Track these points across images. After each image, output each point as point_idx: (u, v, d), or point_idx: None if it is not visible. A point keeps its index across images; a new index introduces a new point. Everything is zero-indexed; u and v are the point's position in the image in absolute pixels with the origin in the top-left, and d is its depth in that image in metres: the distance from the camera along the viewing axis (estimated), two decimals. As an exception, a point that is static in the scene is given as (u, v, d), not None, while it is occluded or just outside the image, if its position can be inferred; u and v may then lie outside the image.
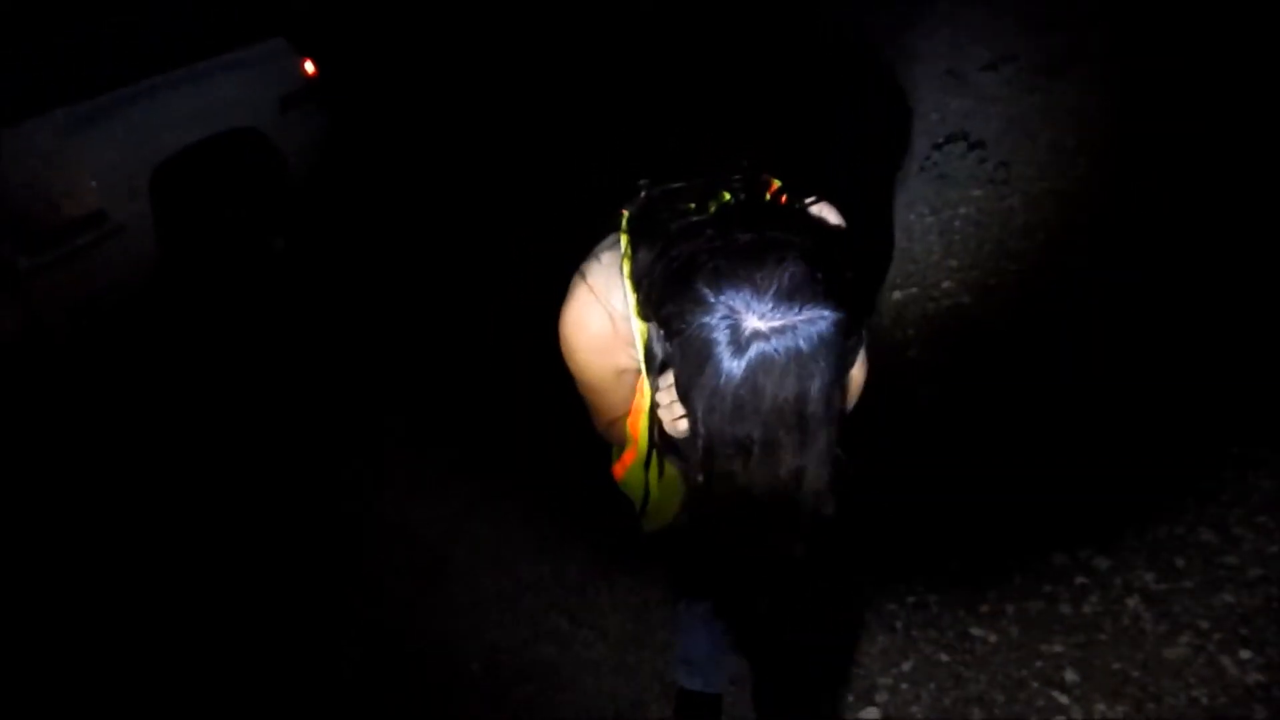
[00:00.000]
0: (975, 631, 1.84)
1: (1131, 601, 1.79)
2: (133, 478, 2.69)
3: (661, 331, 0.95)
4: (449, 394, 2.92)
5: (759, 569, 1.25)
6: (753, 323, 0.87)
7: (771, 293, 0.87)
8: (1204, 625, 1.70)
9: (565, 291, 1.13)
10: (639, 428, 1.20)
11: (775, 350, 0.87)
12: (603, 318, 1.09)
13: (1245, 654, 1.64)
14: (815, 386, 0.89)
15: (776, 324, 0.87)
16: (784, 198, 1.09)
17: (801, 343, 0.87)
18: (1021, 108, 3.61)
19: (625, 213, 1.07)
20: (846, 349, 0.91)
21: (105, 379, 3.09)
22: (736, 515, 1.00)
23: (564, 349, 1.15)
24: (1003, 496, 2.09)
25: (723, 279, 0.88)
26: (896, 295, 2.95)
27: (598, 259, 1.11)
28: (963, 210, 3.27)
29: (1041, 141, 3.40)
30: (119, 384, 3.08)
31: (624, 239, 1.06)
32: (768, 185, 1.09)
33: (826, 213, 1.10)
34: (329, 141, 4.02)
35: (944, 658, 1.81)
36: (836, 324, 0.88)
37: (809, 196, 1.10)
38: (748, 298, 0.87)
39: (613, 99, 4.45)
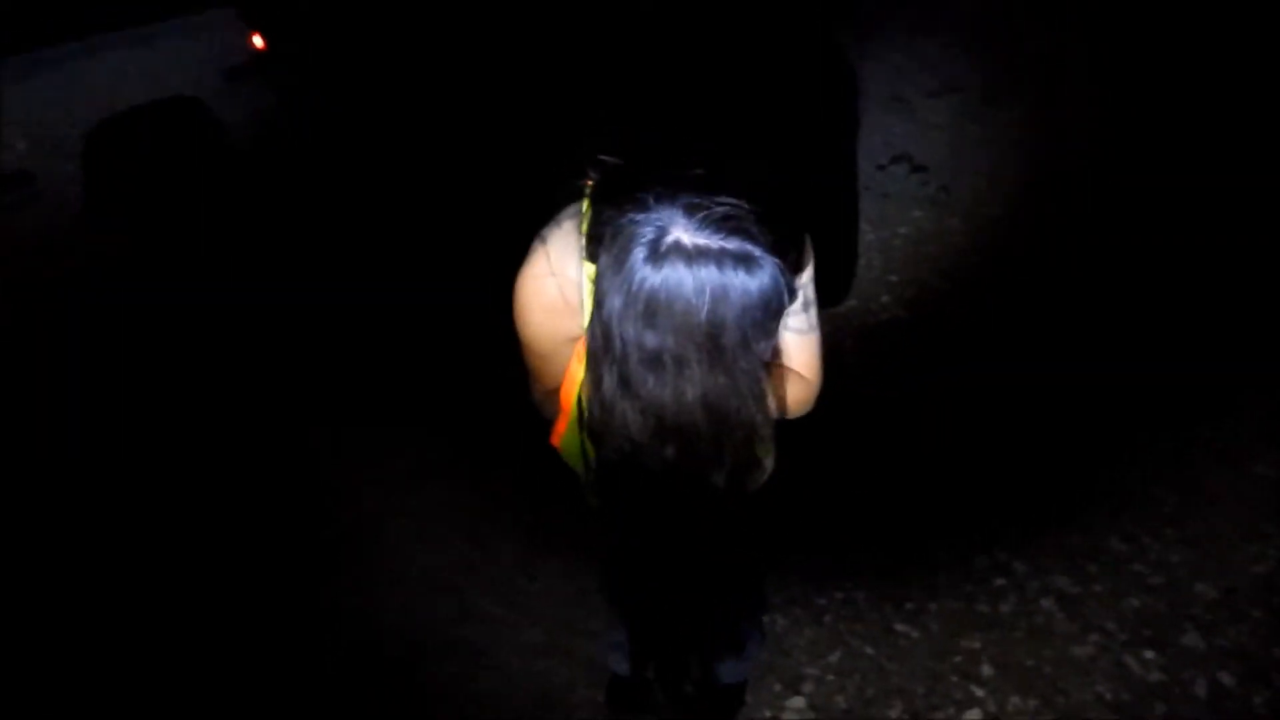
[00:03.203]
0: (899, 627, 1.90)
1: (1045, 603, 1.88)
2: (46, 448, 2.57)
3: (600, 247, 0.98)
4: (388, 369, 2.88)
5: (688, 534, 1.28)
6: (679, 235, 0.91)
7: (706, 216, 0.91)
8: (1111, 626, 1.80)
9: (522, 257, 1.15)
10: (571, 396, 1.23)
11: (691, 267, 0.91)
12: (556, 282, 1.11)
13: (1148, 654, 1.73)
14: (731, 316, 0.93)
15: (700, 242, 0.91)
16: None
17: (719, 270, 0.91)
18: (964, 135, 3.76)
19: (590, 181, 1.10)
20: (772, 299, 0.94)
21: (26, 347, 2.95)
22: (656, 452, 1.03)
23: (515, 311, 1.17)
24: (928, 500, 2.18)
25: (665, 195, 0.92)
26: (838, 307, 3.03)
27: (558, 224, 1.13)
28: (902, 230, 3.38)
29: (982, 168, 3.54)
30: (36, 351, 2.94)
31: (586, 204, 1.08)
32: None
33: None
34: (275, 117, 3.93)
35: (869, 651, 1.86)
36: (763, 268, 0.92)
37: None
38: (682, 215, 0.91)
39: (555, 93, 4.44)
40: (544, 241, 1.13)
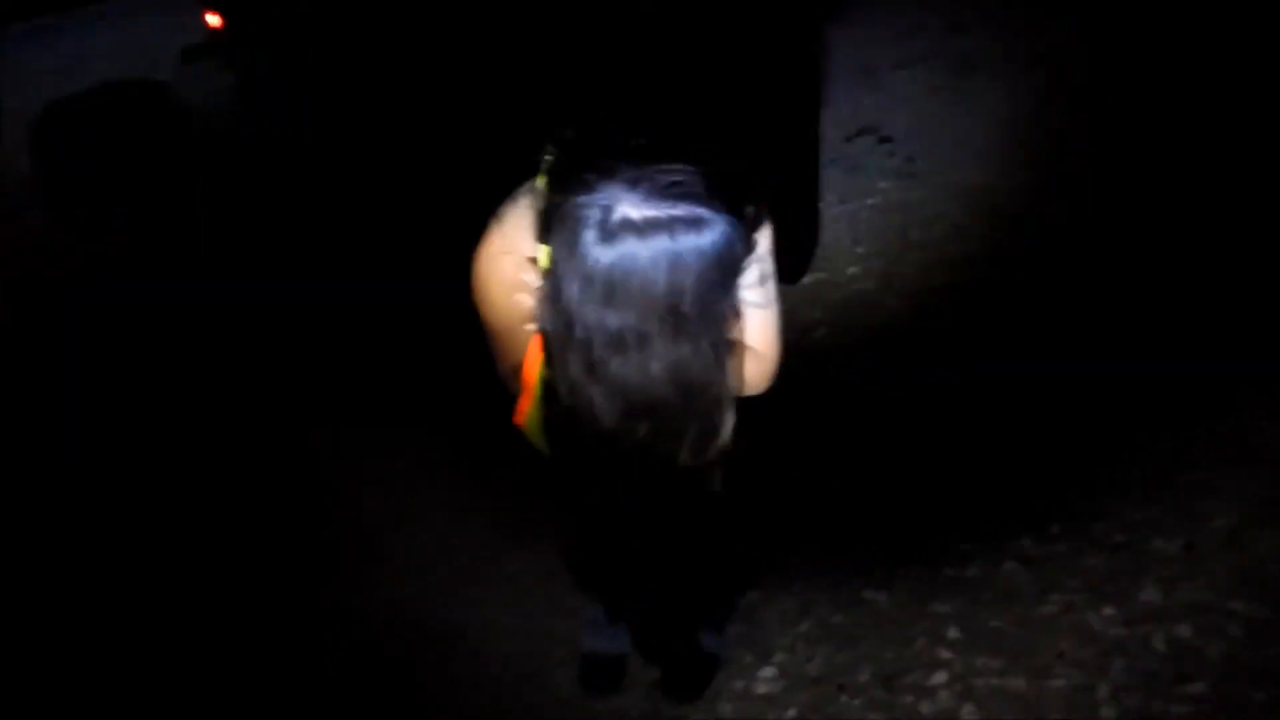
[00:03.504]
0: (868, 594, 1.93)
1: (1009, 565, 1.91)
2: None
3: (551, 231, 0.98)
4: (359, 355, 2.86)
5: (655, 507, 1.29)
6: (626, 210, 0.91)
7: (651, 186, 0.91)
8: (1073, 585, 1.83)
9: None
10: (532, 374, 1.23)
11: (644, 239, 0.91)
12: (511, 259, 1.11)
13: (1108, 611, 1.77)
14: (689, 283, 0.93)
15: (650, 214, 0.91)
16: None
17: (672, 237, 0.91)
18: (931, 105, 3.77)
19: (548, 158, 1.09)
20: (728, 257, 0.95)
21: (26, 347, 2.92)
22: (626, 432, 1.04)
23: (474, 289, 1.17)
24: (896, 468, 2.20)
25: (610, 171, 0.92)
26: (806, 279, 3.04)
27: (514, 201, 1.12)
28: (870, 201, 3.39)
29: (949, 138, 3.55)
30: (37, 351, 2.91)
31: (542, 180, 1.08)
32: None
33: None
34: (233, 98, 3.86)
35: (838, 619, 1.89)
36: (714, 227, 0.92)
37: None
38: (627, 189, 0.91)
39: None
40: (500, 219, 1.14)
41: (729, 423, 1.10)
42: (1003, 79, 3.75)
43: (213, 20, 3.78)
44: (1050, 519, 1.98)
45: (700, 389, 1.03)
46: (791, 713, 1.74)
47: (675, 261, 0.91)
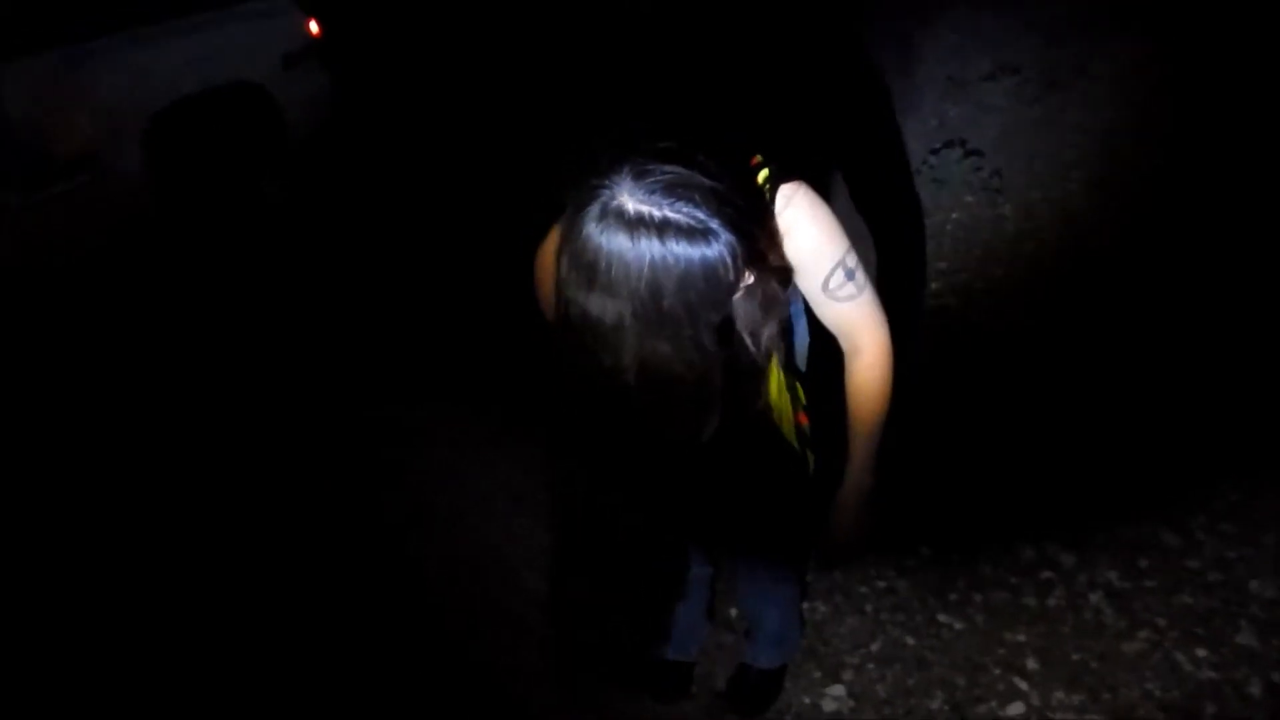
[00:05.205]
0: (942, 618, 1.88)
1: (1094, 597, 1.84)
2: (112, 417, 2.68)
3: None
4: (438, 345, 2.93)
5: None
6: (624, 200, 0.93)
7: (653, 182, 0.92)
8: (1162, 623, 1.76)
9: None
10: None
11: (631, 233, 0.92)
12: None
13: (1200, 652, 1.69)
14: (670, 286, 0.93)
15: (644, 210, 0.92)
16: (762, 172, 1.12)
17: (660, 237, 0.92)
18: (1021, 119, 3.66)
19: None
20: (717, 275, 0.94)
21: (91, 328, 3.06)
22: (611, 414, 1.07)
23: (535, 279, 1.25)
24: (975, 489, 2.15)
25: (623, 160, 0.94)
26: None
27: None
28: (954, 215, 3.32)
29: (1038, 153, 3.45)
30: (103, 333, 3.05)
31: None
32: (748, 157, 1.13)
33: (802, 196, 1.13)
34: (330, 102, 4.01)
35: (910, 641, 1.85)
36: (707, 240, 0.92)
37: (791, 175, 1.14)
38: (632, 180, 0.93)
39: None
40: (560, 216, 1.17)
41: (711, 423, 1.11)
42: (1096, 94, 3.62)
43: (313, 27, 3.93)
44: (1140, 552, 1.90)
45: (677, 387, 1.03)
46: (859, 734, 1.71)
47: (658, 264, 0.92)
